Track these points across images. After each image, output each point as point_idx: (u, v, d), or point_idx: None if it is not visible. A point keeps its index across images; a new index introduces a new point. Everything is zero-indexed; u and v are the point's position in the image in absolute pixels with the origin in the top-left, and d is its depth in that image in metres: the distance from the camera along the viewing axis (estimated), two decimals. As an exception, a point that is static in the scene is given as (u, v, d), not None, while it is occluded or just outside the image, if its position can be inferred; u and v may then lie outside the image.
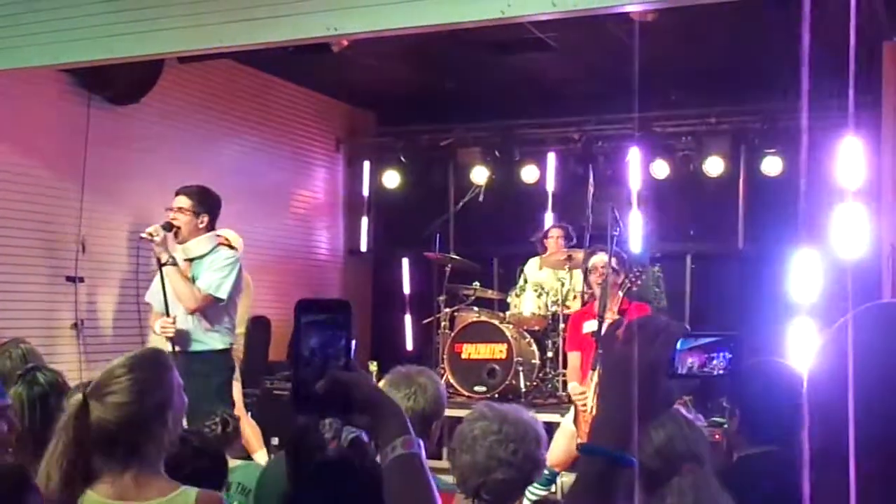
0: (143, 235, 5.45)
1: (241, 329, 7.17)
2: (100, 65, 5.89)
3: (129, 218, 7.84)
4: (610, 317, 6.27)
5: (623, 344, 1.30)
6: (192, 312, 5.48)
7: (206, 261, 5.55)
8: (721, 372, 1.31)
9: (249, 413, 7.18)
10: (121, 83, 7.53)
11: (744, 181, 9.03)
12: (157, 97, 7.92)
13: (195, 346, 5.51)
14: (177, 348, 5.30)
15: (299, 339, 1.44)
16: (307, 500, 2.15)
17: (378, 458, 1.50)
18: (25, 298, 7.14)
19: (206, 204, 5.58)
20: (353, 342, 1.47)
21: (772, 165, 8.69)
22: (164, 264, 5.39)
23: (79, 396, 2.37)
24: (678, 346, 1.29)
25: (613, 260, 6.34)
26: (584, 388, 6.25)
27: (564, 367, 7.87)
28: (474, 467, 2.60)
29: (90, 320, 7.48)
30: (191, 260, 5.56)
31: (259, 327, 7.58)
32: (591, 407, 5.97)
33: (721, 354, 1.31)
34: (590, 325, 6.41)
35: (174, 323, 5.38)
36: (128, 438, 2.36)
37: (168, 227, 5.47)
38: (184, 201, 5.53)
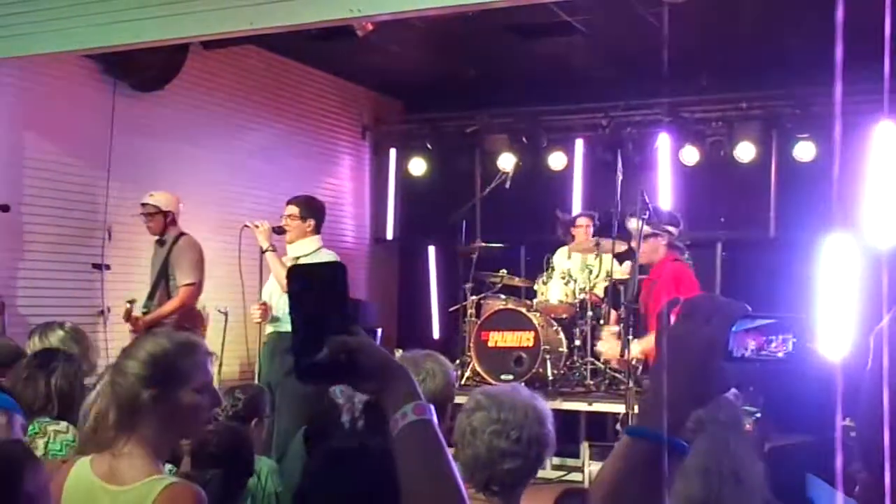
0: (248, 224, 6.32)
1: None
2: (125, 50, 5.85)
3: (155, 205, 7.81)
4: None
5: (677, 323, 1.23)
6: None
7: (310, 259, 6.16)
8: (783, 356, 1.23)
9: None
10: (145, 70, 7.51)
11: (776, 167, 8.89)
12: (183, 84, 7.90)
13: (288, 327, 5.67)
14: (269, 329, 6.24)
15: (295, 307, 1.36)
16: (325, 481, 2.10)
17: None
18: (52, 286, 7.17)
19: (311, 210, 6.37)
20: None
21: (804, 151, 8.54)
22: (265, 251, 6.23)
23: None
24: (734, 327, 1.22)
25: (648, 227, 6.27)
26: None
27: (592, 355, 7.80)
28: (478, 461, 2.49)
29: (117, 307, 7.48)
30: (298, 258, 6.21)
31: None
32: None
33: (780, 337, 1.24)
34: None
35: (264, 305, 6.20)
36: (133, 408, 2.27)
37: (280, 230, 6.32)
38: (292, 209, 6.36)
